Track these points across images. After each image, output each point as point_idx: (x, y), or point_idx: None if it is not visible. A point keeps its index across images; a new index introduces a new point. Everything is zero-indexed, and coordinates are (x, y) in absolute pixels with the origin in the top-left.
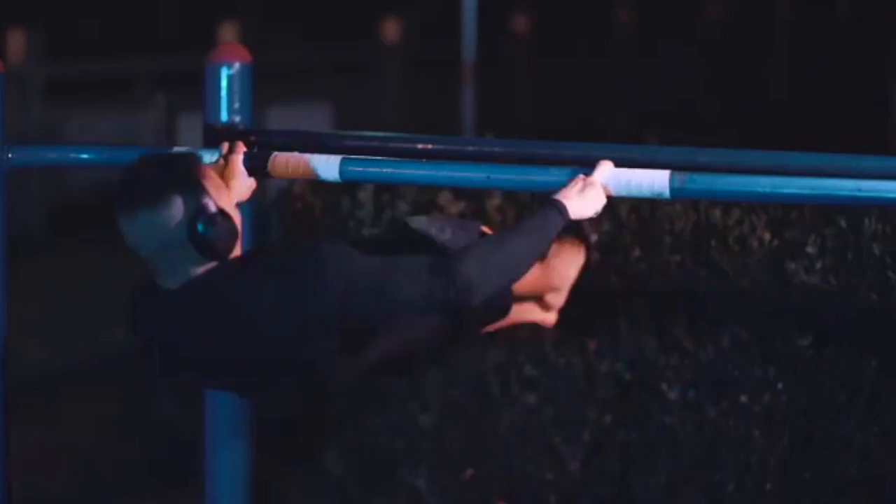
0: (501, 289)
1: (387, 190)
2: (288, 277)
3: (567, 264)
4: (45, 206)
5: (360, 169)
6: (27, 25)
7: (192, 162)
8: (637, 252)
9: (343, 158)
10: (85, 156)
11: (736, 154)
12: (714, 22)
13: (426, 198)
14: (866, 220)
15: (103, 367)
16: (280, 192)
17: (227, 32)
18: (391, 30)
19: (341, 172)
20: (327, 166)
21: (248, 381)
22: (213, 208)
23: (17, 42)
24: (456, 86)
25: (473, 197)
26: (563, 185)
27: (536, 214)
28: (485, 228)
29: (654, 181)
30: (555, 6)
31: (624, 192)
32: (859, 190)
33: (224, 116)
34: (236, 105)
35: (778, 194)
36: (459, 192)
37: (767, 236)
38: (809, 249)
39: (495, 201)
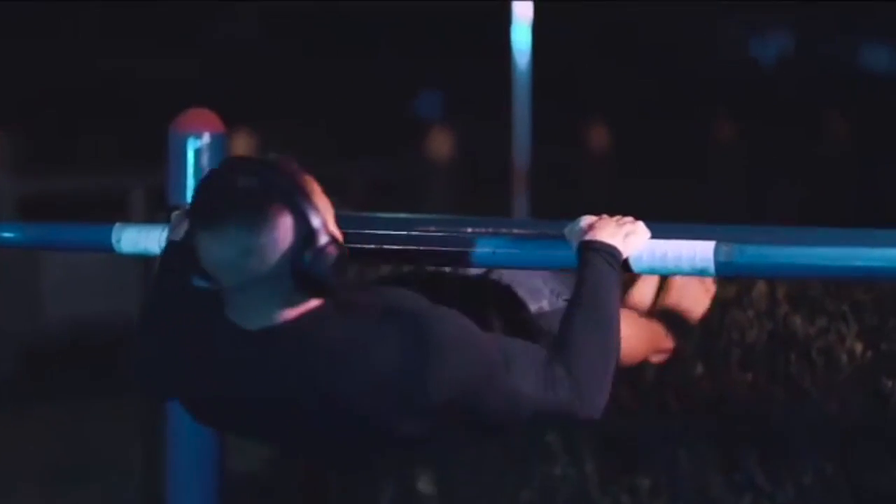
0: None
1: None
2: (407, 345)
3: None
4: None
5: None
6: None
7: (298, 170)
8: (700, 369)
9: None
10: (8, 234)
11: (800, 231)
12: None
13: None
14: None
15: None
16: None
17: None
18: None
19: None
20: None
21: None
22: (326, 235)
23: None
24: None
25: None
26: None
27: (585, 277)
28: None
29: (695, 254)
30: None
31: (660, 268)
32: None
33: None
34: None
35: (849, 268)
36: None
37: (859, 348)
38: None
39: None
